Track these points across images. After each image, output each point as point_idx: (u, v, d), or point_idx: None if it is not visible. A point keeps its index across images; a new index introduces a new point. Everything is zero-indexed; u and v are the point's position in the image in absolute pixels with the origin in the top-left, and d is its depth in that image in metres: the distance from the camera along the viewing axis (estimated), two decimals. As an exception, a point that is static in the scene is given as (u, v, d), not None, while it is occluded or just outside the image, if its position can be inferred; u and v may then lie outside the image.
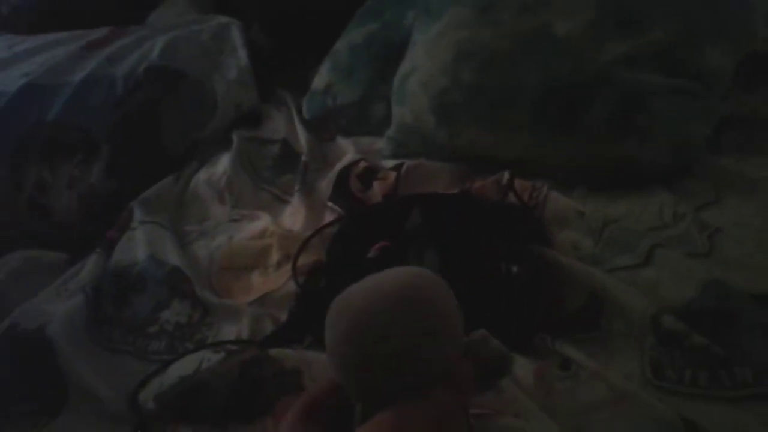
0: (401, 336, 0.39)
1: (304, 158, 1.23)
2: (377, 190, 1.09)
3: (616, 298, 0.79)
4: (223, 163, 1.26)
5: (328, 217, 1.07)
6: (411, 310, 0.40)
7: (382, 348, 0.39)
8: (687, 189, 0.97)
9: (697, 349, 0.71)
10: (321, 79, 1.34)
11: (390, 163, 1.15)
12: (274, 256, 1.01)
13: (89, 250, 1.08)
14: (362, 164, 1.14)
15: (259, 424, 0.74)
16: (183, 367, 0.82)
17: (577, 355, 0.75)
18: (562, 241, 0.93)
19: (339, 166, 1.17)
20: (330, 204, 1.11)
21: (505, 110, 1.01)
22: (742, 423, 0.64)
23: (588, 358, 0.74)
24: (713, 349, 0.71)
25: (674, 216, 0.91)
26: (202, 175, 1.26)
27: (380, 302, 0.40)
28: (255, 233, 1.07)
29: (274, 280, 0.98)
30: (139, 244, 1.05)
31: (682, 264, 0.82)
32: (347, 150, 1.24)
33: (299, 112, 1.38)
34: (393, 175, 1.10)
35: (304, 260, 0.97)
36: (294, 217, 1.11)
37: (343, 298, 0.42)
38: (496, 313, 0.80)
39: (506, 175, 1.00)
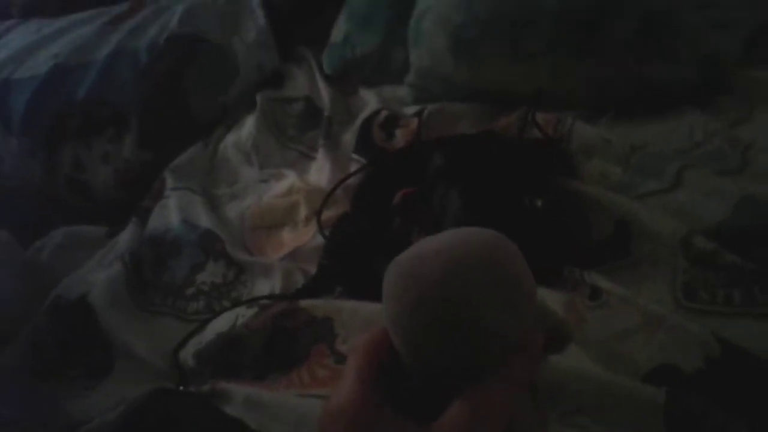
0: (480, 306, 0.34)
1: (326, 113, 1.22)
2: (400, 137, 1.08)
3: (644, 223, 0.77)
4: (249, 125, 1.26)
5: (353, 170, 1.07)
6: (491, 277, 0.35)
7: (458, 320, 0.34)
8: (719, 106, 0.92)
9: (730, 267, 0.69)
10: (339, 30, 1.32)
11: (412, 109, 1.13)
12: (302, 212, 1.03)
13: (127, 220, 1.12)
14: (384, 113, 1.13)
15: (295, 372, 0.76)
16: (220, 325, 0.85)
17: (607, 283, 0.74)
18: (590, 171, 0.90)
19: (361, 117, 1.16)
20: (355, 156, 1.11)
21: (523, 39, 0.98)
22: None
23: (618, 286, 0.73)
24: (746, 265, 0.69)
25: (705, 135, 0.88)
26: (230, 139, 1.28)
27: (455, 267, 0.35)
28: (282, 191, 1.08)
29: (303, 235, 0.99)
30: (172, 210, 1.08)
31: (712, 183, 0.79)
32: (370, 101, 1.23)
33: (320, 67, 1.37)
34: (415, 121, 1.08)
35: (330, 213, 0.98)
36: (320, 172, 1.11)
37: (408, 262, 0.36)
38: (522, 248, 0.79)
39: (526, 109, 0.98)
